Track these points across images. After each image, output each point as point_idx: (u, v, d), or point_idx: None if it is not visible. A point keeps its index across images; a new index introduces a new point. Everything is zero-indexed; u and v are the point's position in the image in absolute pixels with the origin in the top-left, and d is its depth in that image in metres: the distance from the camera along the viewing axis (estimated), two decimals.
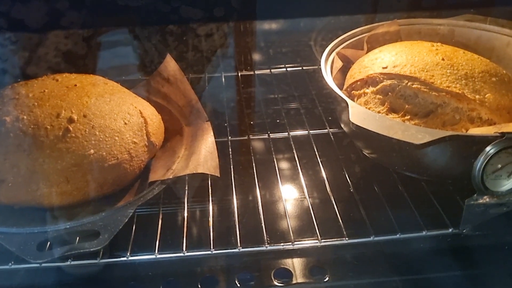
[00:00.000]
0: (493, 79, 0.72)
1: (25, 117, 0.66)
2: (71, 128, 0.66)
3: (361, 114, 0.65)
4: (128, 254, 0.63)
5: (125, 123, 0.70)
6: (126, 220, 0.62)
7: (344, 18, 1.08)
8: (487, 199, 0.60)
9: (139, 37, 1.09)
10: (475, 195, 0.61)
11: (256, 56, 1.14)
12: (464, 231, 0.63)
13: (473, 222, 0.62)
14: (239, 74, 1.07)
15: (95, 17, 0.84)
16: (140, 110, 0.74)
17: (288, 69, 1.08)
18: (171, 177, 0.69)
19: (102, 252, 0.63)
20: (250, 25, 1.13)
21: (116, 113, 0.70)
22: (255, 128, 0.93)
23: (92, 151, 0.66)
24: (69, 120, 0.67)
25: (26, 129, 0.65)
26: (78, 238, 0.62)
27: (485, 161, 0.58)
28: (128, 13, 0.85)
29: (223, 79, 1.05)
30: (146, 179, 0.72)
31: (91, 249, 0.58)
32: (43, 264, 0.60)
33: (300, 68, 1.08)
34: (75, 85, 0.72)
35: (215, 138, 0.77)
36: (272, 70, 1.08)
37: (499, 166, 0.59)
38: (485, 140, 0.58)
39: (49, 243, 0.61)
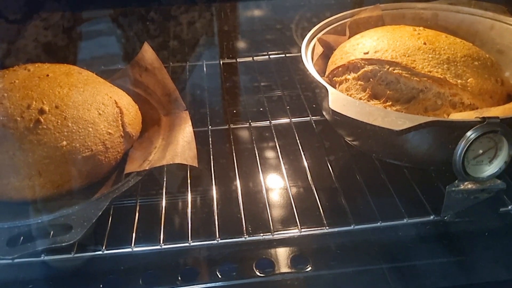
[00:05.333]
0: (476, 63, 0.70)
1: None
2: (42, 120, 0.64)
3: (340, 100, 0.63)
4: (104, 247, 0.62)
5: (100, 114, 0.68)
6: (100, 213, 0.60)
7: (327, 2, 1.07)
8: (469, 185, 0.60)
9: (121, 26, 1.07)
10: (456, 181, 0.60)
11: (239, 44, 1.12)
12: (445, 218, 0.62)
13: (455, 209, 0.61)
14: (221, 62, 1.06)
15: (74, 4, 0.82)
16: (115, 100, 0.72)
17: (271, 56, 1.06)
18: (147, 168, 0.67)
19: (77, 246, 0.61)
20: (232, 12, 1.11)
21: (89, 104, 0.68)
22: (236, 117, 0.92)
23: (64, 142, 0.64)
24: (40, 111, 0.65)
25: None
26: (52, 232, 0.60)
27: (466, 147, 0.57)
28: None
29: (205, 68, 1.03)
30: (123, 170, 0.70)
31: (63, 244, 0.56)
32: (16, 260, 0.59)
33: (283, 55, 1.06)
34: (47, 75, 0.70)
35: (195, 128, 0.76)
36: (255, 57, 1.06)
37: (480, 151, 0.58)
38: (466, 125, 0.57)
39: (21, 238, 0.60)
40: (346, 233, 0.66)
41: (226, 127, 0.86)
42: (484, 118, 0.57)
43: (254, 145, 0.81)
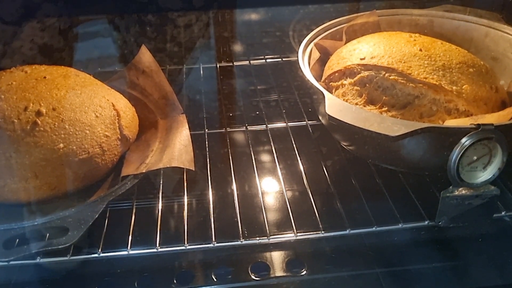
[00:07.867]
0: (471, 70, 0.71)
1: None
2: (39, 122, 0.64)
3: (337, 105, 0.64)
4: (100, 250, 0.62)
5: (97, 116, 0.68)
6: (97, 216, 0.60)
7: (324, 8, 1.07)
8: (463, 191, 0.60)
9: (118, 28, 1.07)
10: (451, 187, 0.60)
11: (236, 47, 1.12)
12: (439, 223, 0.63)
13: (449, 214, 0.62)
14: (218, 65, 1.06)
15: (71, 7, 0.82)
16: (112, 103, 0.72)
17: (267, 60, 1.07)
18: (144, 171, 0.67)
19: (73, 249, 0.61)
20: (229, 15, 1.11)
21: (87, 106, 0.68)
22: (233, 121, 0.92)
23: (61, 145, 0.64)
24: (37, 113, 0.65)
25: None
26: (48, 234, 0.60)
27: (461, 153, 0.57)
28: (105, 3, 0.83)
29: (202, 71, 1.03)
30: (120, 173, 0.70)
31: (59, 246, 0.56)
32: (11, 262, 0.58)
33: (280, 59, 1.07)
34: (45, 77, 0.70)
35: (192, 131, 0.76)
36: (251, 61, 1.07)
37: (475, 158, 0.59)
38: (461, 132, 0.58)
39: (17, 240, 0.59)
40: (341, 237, 0.66)
41: (223, 130, 0.87)
42: (478, 125, 0.57)
43: (251, 148, 0.82)
